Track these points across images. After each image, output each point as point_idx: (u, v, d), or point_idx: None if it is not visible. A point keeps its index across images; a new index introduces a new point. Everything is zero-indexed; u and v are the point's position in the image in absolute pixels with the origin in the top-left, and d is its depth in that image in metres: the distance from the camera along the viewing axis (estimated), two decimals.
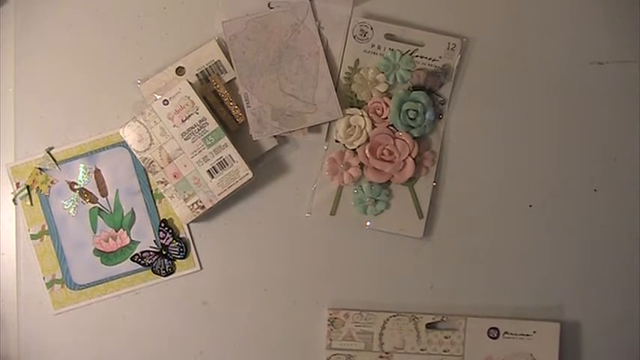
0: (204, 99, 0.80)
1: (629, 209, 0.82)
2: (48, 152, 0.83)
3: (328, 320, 0.80)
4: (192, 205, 0.80)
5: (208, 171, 0.80)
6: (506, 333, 0.80)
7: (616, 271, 0.82)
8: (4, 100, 0.84)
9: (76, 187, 0.82)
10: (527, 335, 0.80)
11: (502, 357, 0.80)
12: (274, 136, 0.82)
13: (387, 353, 0.80)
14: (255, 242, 0.83)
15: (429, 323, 0.80)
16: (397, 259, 0.82)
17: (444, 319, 0.80)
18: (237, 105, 0.81)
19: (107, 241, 0.82)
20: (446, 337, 0.80)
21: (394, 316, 0.80)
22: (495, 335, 0.80)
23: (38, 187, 0.82)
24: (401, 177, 0.81)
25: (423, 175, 0.82)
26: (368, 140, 0.81)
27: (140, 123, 0.80)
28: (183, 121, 0.79)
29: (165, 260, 0.82)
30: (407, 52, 0.81)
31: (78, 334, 0.82)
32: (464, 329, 0.80)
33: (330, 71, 0.81)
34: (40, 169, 0.82)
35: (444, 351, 0.80)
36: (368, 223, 0.82)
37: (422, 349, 0.80)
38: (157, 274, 0.82)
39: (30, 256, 0.82)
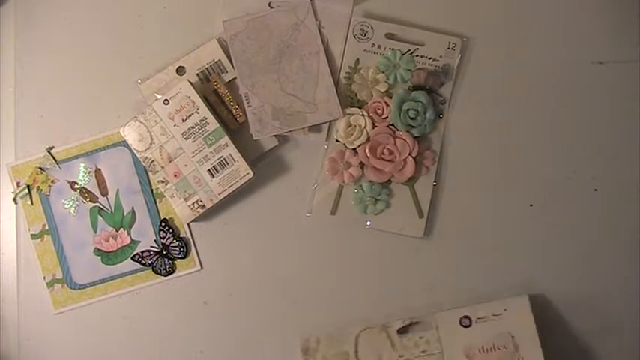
0: (205, 98, 0.80)
1: (629, 209, 0.82)
2: (48, 152, 0.83)
3: (301, 350, 0.79)
4: (193, 204, 0.80)
5: (209, 170, 0.80)
6: (478, 318, 0.78)
7: (616, 271, 0.82)
8: (4, 99, 0.84)
9: (76, 186, 0.82)
10: (499, 314, 0.78)
11: (482, 343, 0.78)
12: (275, 136, 0.82)
13: None
14: (255, 242, 0.83)
15: (400, 328, 0.79)
16: (397, 258, 0.82)
17: (414, 320, 0.79)
18: (237, 104, 0.81)
19: (107, 240, 0.82)
20: (420, 338, 0.79)
21: (364, 330, 0.79)
22: (468, 323, 0.78)
23: (39, 187, 0.82)
24: (401, 176, 0.81)
25: (423, 174, 0.82)
26: (368, 140, 0.81)
27: (141, 122, 0.80)
28: (183, 121, 0.79)
29: (166, 260, 0.82)
30: (407, 51, 0.82)
31: (78, 334, 0.82)
32: (435, 326, 0.79)
33: (330, 71, 0.81)
34: (40, 168, 0.82)
35: (422, 352, 0.78)
36: (368, 223, 0.82)
37: (400, 356, 0.78)
38: (158, 273, 0.82)
39: (30, 255, 0.82)
